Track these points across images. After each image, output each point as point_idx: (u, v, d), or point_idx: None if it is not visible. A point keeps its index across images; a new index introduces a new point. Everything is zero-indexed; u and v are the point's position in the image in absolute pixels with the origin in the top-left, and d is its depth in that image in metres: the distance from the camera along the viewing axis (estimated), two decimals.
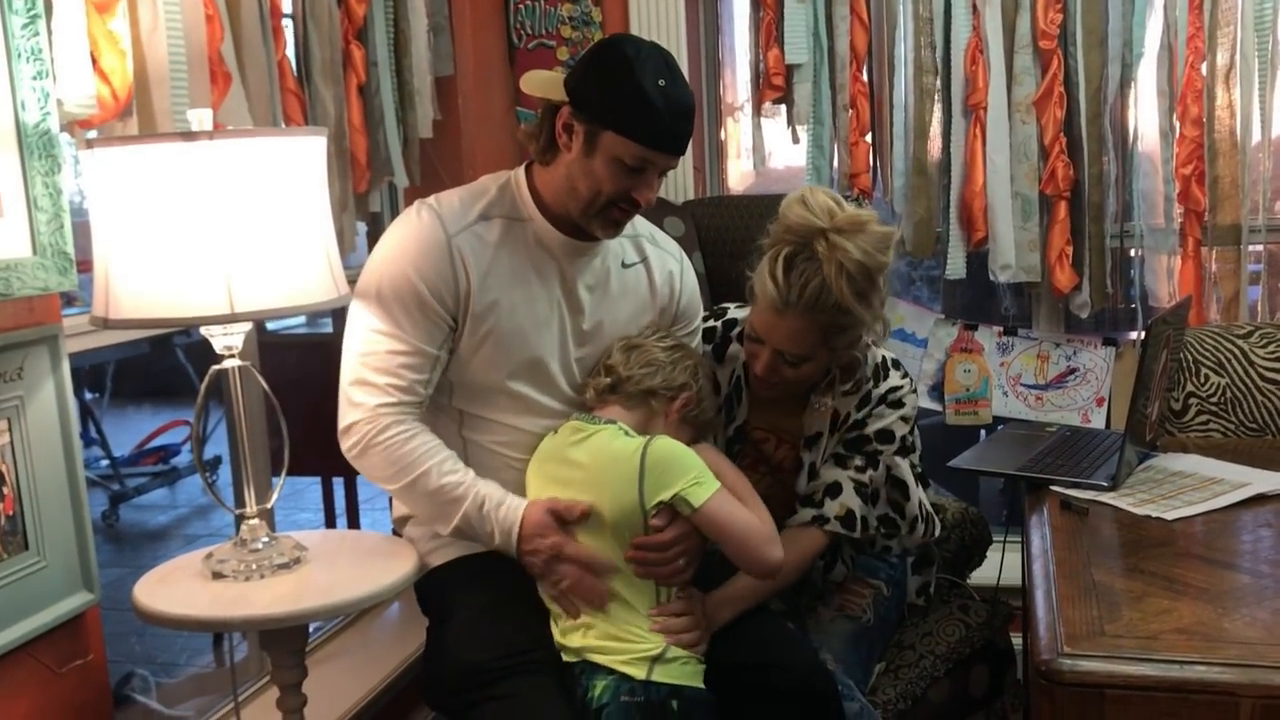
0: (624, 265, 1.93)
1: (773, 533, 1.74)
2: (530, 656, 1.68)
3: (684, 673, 1.69)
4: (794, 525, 1.90)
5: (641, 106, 1.68)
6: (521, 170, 1.87)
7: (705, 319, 2.06)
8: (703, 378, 1.85)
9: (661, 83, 1.69)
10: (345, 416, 1.78)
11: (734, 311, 2.05)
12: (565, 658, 1.71)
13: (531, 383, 1.84)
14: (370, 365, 1.76)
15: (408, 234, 1.80)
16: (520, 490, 1.81)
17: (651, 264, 1.96)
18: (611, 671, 1.66)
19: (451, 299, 1.78)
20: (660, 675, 1.66)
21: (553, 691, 1.66)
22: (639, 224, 1.97)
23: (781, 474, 1.99)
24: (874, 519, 1.94)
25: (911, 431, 1.97)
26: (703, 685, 1.70)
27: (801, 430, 1.94)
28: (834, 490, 1.90)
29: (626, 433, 1.75)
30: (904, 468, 1.95)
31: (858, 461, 1.91)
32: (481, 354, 1.81)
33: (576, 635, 1.71)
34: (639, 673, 1.66)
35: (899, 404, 1.92)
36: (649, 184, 1.76)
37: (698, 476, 1.70)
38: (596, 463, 1.73)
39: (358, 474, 3.65)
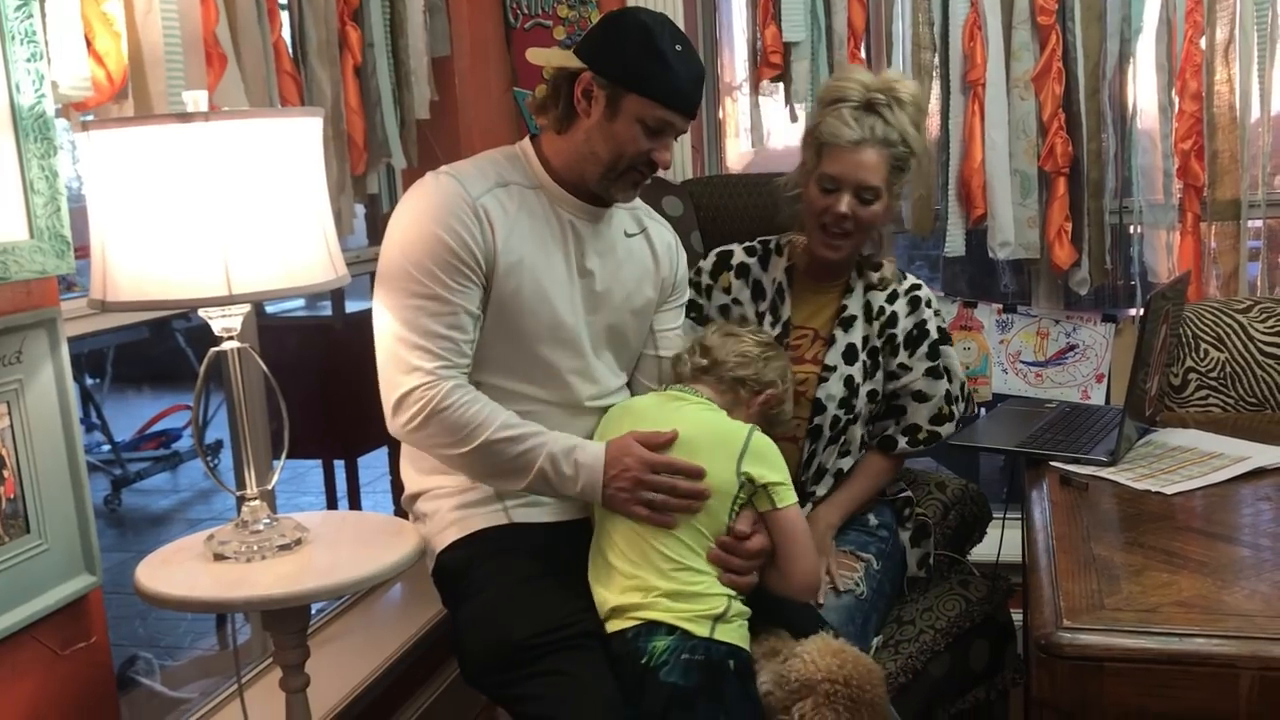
0: (627, 235, 1.98)
1: (819, 568, 1.87)
2: (574, 629, 1.68)
3: (740, 634, 1.70)
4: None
5: (663, 69, 1.76)
6: (527, 141, 1.91)
7: (719, 258, 2.23)
8: (789, 380, 1.96)
9: (679, 48, 1.79)
10: (398, 387, 1.75)
11: (733, 246, 2.26)
12: (616, 624, 1.70)
13: (553, 346, 1.86)
14: (417, 330, 1.75)
15: (429, 198, 1.80)
16: None
17: (652, 235, 2.02)
18: (672, 631, 1.66)
19: (482, 255, 1.79)
20: (722, 634, 1.67)
21: (601, 665, 1.66)
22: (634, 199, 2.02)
23: (811, 365, 2.16)
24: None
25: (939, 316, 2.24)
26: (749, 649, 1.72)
27: (832, 328, 2.15)
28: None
29: (717, 410, 1.84)
30: (951, 355, 2.22)
31: (940, 369, 2.18)
32: (508, 316, 1.82)
33: (634, 595, 1.70)
34: (702, 630, 1.66)
35: (928, 302, 2.20)
36: (667, 146, 1.84)
37: (788, 482, 1.77)
38: (700, 429, 1.79)
39: (359, 455, 3.67)
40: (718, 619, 1.68)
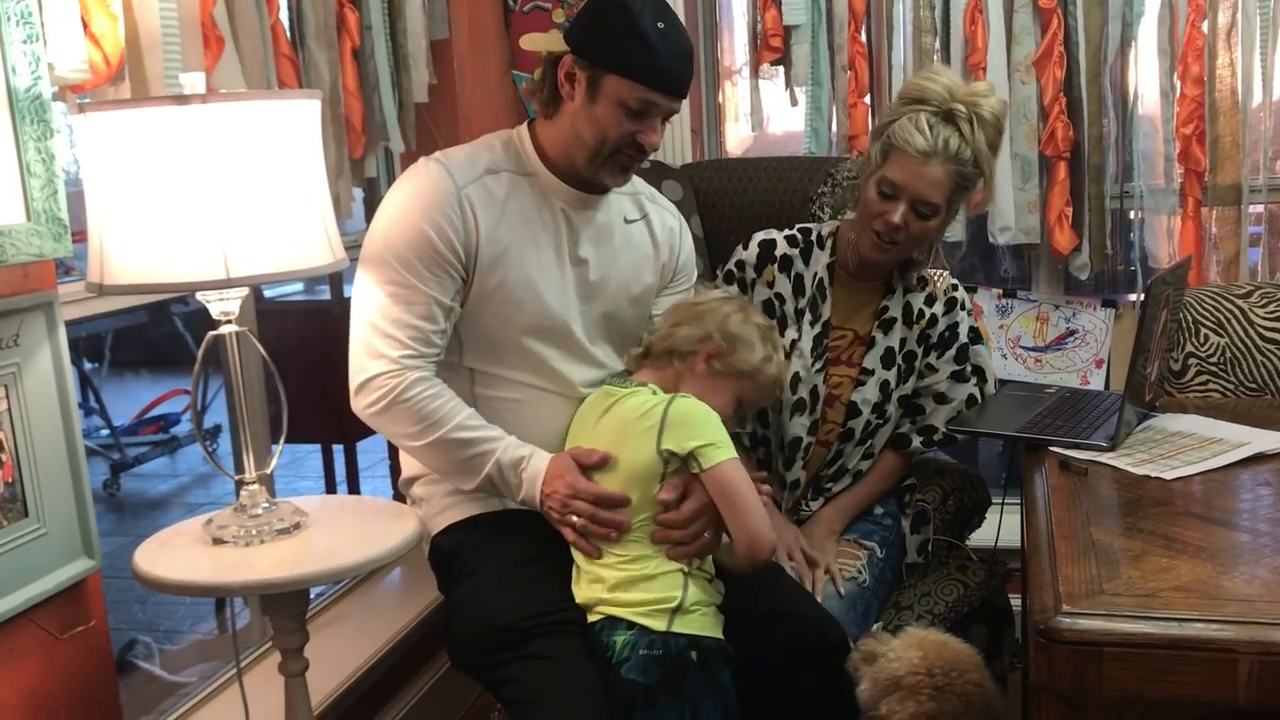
0: (626, 221, 1.96)
1: (769, 523, 1.74)
2: (558, 615, 1.69)
3: (703, 623, 1.70)
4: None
5: (641, 48, 1.72)
6: (524, 126, 1.90)
7: (762, 248, 2.13)
8: (742, 322, 1.82)
9: (661, 25, 1.74)
10: (363, 371, 1.77)
11: (775, 234, 2.15)
12: (589, 618, 1.71)
13: (542, 336, 1.86)
14: (388, 318, 1.76)
15: (416, 187, 1.80)
16: (543, 444, 1.81)
17: (652, 220, 2.00)
18: (631, 626, 1.66)
19: (463, 248, 1.79)
20: (680, 626, 1.67)
21: (581, 651, 1.67)
22: (638, 183, 2.02)
23: (848, 367, 2.13)
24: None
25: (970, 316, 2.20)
26: (721, 636, 1.71)
27: (872, 329, 2.11)
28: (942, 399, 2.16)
29: (654, 392, 1.78)
30: (983, 355, 2.19)
31: (967, 372, 2.15)
32: (493, 306, 1.82)
33: (596, 588, 1.71)
34: (659, 624, 1.66)
35: (963, 305, 2.16)
36: (653, 127, 1.79)
37: (716, 440, 1.71)
38: (621, 421, 1.76)
39: (358, 440, 3.67)
40: (675, 610, 1.67)
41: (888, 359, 2.10)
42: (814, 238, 2.14)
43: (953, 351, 2.14)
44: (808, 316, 2.10)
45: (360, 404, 1.79)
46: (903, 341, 2.12)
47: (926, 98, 1.95)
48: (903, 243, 2.00)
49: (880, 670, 1.64)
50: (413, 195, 1.79)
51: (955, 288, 2.16)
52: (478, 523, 1.85)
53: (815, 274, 2.12)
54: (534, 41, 1.86)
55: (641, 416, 1.74)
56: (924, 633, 1.67)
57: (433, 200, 1.78)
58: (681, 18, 2.78)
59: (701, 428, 1.72)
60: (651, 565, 1.71)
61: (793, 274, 2.12)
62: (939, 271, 2.16)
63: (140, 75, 1.73)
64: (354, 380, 1.79)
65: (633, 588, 1.69)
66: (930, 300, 2.13)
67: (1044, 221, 2.69)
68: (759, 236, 2.15)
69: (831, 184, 2.21)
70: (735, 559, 1.74)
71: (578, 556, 1.76)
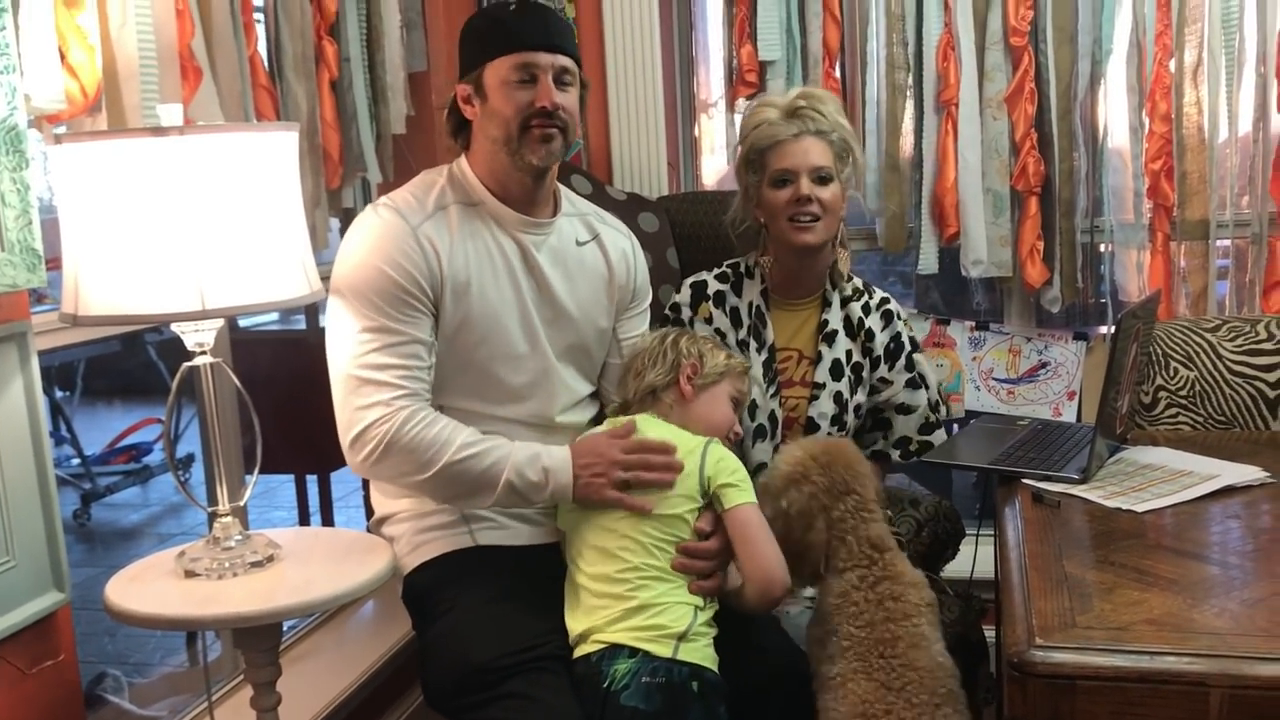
0: (578, 243, 1.97)
1: (785, 565, 1.75)
2: (537, 653, 1.67)
3: (705, 654, 1.70)
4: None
5: (492, 26, 1.83)
6: (462, 158, 1.92)
7: (694, 289, 2.21)
8: (690, 340, 1.94)
9: (512, 7, 1.83)
10: (356, 424, 1.75)
11: (705, 275, 2.25)
12: (581, 649, 1.70)
13: (509, 366, 1.86)
14: (370, 364, 1.75)
15: (370, 233, 1.81)
16: None
17: (604, 241, 2.01)
18: (634, 654, 1.65)
19: (428, 284, 1.79)
20: (684, 654, 1.66)
21: (563, 689, 1.65)
22: (585, 204, 2.05)
23: (801, 387, 2.19)
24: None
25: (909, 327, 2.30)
26: (717, 670, 1.71)
27: (816, 344, 2.19)
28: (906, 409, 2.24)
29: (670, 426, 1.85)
30: (924, 363, 2.28)
31: (919, 379, 2.23)
32: (460, 338, 1.82)
33: (597, 615, 1.70)
34: (663, 650, 1.66)
35: (899, 315, 2.26)
36: (546, 88, 1.81)
37: (741, 481, 1.76)
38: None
39: (332, 470, 3.64)
40: (680, 637, 1.67)
41: (836, 370, 2.17)
42: (742, 269, 2.24)
43: (902, 361, 2.23)
44: (753, 344, 2.17)
45: (357, 459, 1.77)
46: (849, 353, 2.19)
47: (765, 116, 2.13)
48: (820, 215, 2.10)
49: (772, 476, 1.80)
50: (368, 240, 1.80)
51: (887, 301, 2.26)
52: (450, 560, 1.84)
53: (750, 302, 2.20)
54: (444, 101, 1.95)
55: (680, 443, 1.79)
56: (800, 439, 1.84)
57: (389, 241, 1.78)
58: (659, 52, 2.85)
59: (734, 468, 1.78)
60: (663, 591, 1.71)
61: (728, 307, 2.20)
62: (867, 285, 2.27)
63: (117, 106, 1.73)
64: (346, 436, 1.76)
65: (639, 614, 1.68)
66: (866, 310, 2.21)
67: (1016, 255, 2.72)
68: (689, 280, 2.25)
69: (735, 233, 2.28)
70: (747, 599, 1.75)
71: (586, 581, 1.73)
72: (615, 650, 1.66)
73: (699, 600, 1.72)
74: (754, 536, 1.73)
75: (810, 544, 1.75)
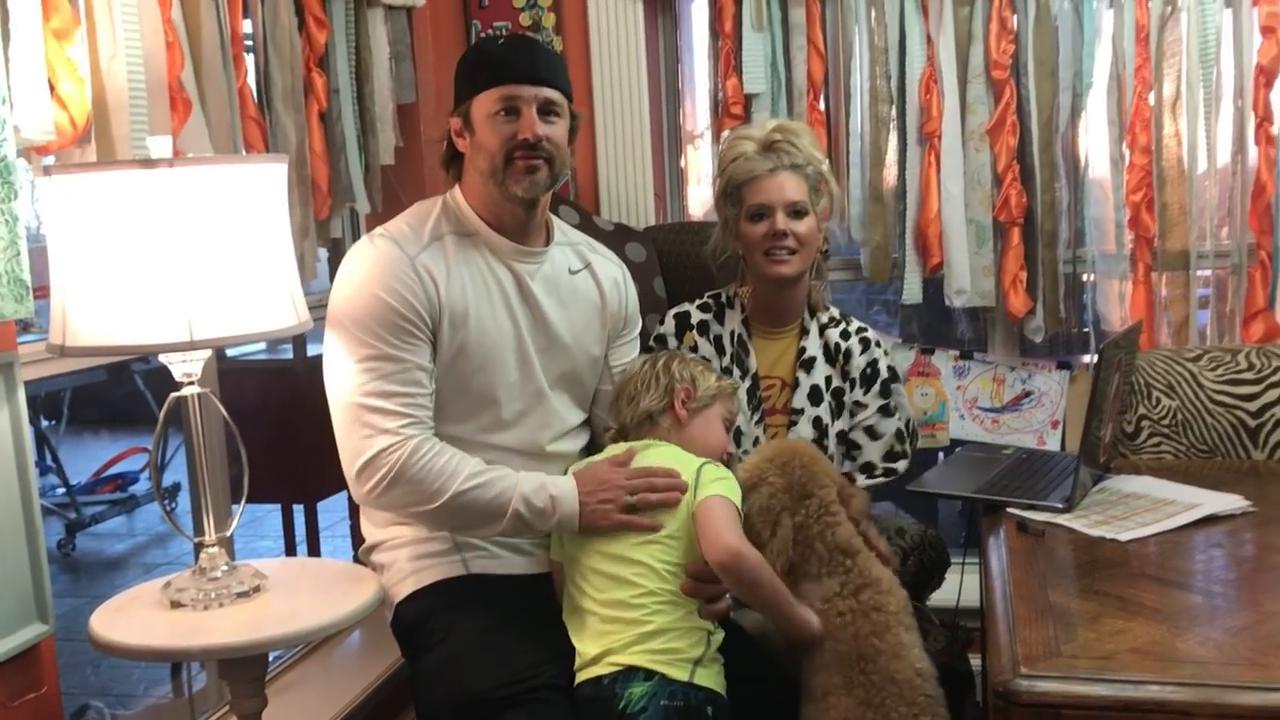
0: (571, 272, 1.98)
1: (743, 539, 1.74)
2: (533, 683, 1.67)
3: (718, 680, 1.70)
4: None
5: (480, 59, 1.86)
6: (456, 189, 1.93)
7: (678, 320, 2.24)
8: (681, 364, 1.97)
9: (501, 41, 1.88)
10: (362, 454, 1.74)
11: (687, 305, 2.28)
12: (590, 670, 1.69)
13: (506, 393, 1.87)
14: (374, 392, 1.75)
15: (367, 262, 1.81)
16: None
17: (596, 270, 2.02)
18: (650, 677, 1.65)
19: (426, 312, 1.80)
20: (701, 679, 1.67)
21: (561, 717, 1.65)
22: (576, 234, 2.07)
23: (782, 415, 2.22)
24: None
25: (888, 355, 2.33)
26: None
27: (794, 371, 2.22)
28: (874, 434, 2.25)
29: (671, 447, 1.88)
30: (901, 393, 2.31)
31: (891, 406, 2.25)
32: (456, 366, 1.83)
33: (612, 638, 1.69)
34: (681, 674, 1.66)
35: (877, 343, 2.29)
36: (529, 120, 1.83)
37: (717, 480, 1.79)
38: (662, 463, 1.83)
39: (319, 500, 3.63)
40: (697, 662, 1.68)
41: (814, 396, 2.20)
42: (724, 299, 2.28)
43: (877, 387, 2.25)
44: (736, 372, 2.20)
45: (364, 489, 1.76)
46: (828, 379, 2.22)
47: (742, 150, 2.17)
48: (795, 248, 2.13)
49: (753, 511, 1.81)
50: (366, 270, 1.80)
51: (864, 329, 2.30)
52: (442, 589, 1.83)
53: (732, 330, 2.23)
54: (438, 132, 2.01)
55: (680, 466, 1.81)
56: (764, 450, 1.88)
57: (387, 270, 1.79)
58: (645, 84, 2.87)
59: (719, 475, 1.81)
60: (679, 616, 1.71)
61: (711, 336, 2.24)
62: (845, 315, 2.30)
63: (107, 137, 1.73)
64: (353, 466, 1.76)
65: (656, 638, 1.68)
66: (845, 335, 2.25)
67: (999, 285, 2.74)
68: (672, 311, 2.29)
69: (715, 264, 2.32)
70: (701, 565, 1.74)
71: (593, 605, 1.72)
72: (630, 673, 1.66)
73: (710, 625, 1.73)
74: (712, 519, 1.73)
75: (778, 546, 1.76)
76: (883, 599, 1.74)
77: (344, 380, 1.77)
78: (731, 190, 2.18)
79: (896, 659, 1.70)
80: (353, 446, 1.76)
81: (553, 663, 1.72)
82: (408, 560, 1.86)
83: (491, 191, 1.86)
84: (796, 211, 2.13)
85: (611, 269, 2.06)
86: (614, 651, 1.68)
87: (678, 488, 1.77)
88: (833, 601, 1.74)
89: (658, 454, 1.85)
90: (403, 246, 1.82)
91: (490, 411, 1.86)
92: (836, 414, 2.21)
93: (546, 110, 1.84)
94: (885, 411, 2.25)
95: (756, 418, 2.18)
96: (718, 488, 1.77)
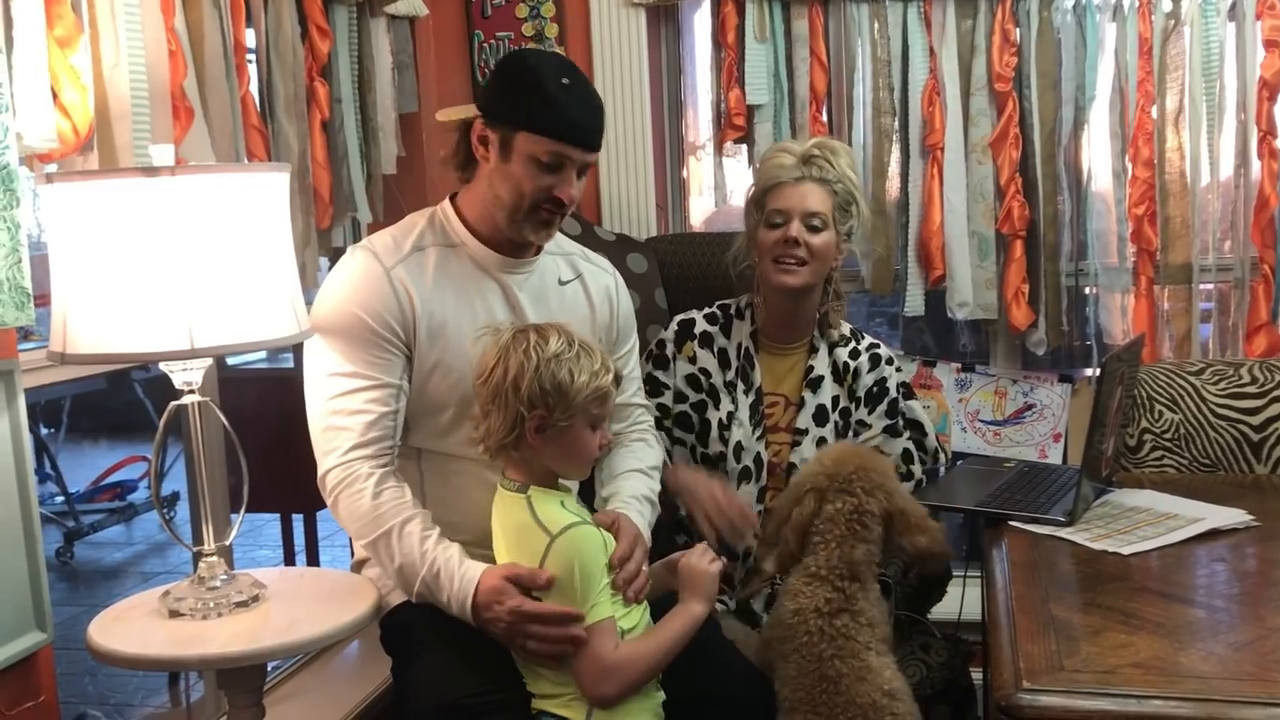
0: (561, 282, 1.97)
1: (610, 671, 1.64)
2: (505, 695, 1.67)
3: (627, 709, 1.66)
4: None
5: (547, 103, 1.75)
6: (447, 201, 1.92)
7: (681, 327, 2.22)
8: (534, 377, 1.61)
9: (565, 81, 1.77)
10: (320, 466, 1.79)
11: (694, 314, 2.25)
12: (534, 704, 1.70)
13: None
14: (337, 408, 1.77)
15: (345, 276, 1.83)
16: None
17: (587, 281, 2.00)
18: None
19: (400, 327, 1.80)
20: (600, 718, 1.65)
21: None
22: (570, 244, 2.05)
23: (786, 433, 2.20)
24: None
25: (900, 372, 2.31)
26: None
27: (801, 391, 2.19)
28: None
29: (530, 501, 1.67)
30: (917, 409, 2.27)
31: (900, 426, 2.23)
32: (434, 381, 1.82)
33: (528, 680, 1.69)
34: (578, 716, 1.65)
35: (889, 360, 2.26)
36: (568, 180, 1.80)
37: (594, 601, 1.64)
38: (514, 533, 1.69)
39: (318, 510, 3.63)
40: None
41: (820, 416, 2.17)
42: (733, 311, 2.25)
43: (883, 406, 2.22)
44: (740, 386, 2.17)
45: (324, 496, 1.81)
46: (835, 399, 2.19)
47: (781, 161, 2.14)
48: (807, 260, 2.10)
49: (790, 486, 1.83)
50: (342, 284, 1.82)
51: (877, 346, 2.26)
52: (425, 603, 1.83)
53: (739, 343, 2.21)
54: (449, 114, 1.90)
55: (526, 542, 1.66)
56: (836, 445, 1.85)
57: (362, 284, 1.80)
58: (648, 96, 2.88)
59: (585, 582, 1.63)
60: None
61: (715, 348, 2.21)
62: (859, 332, 2.28)
63: (109, 145, 1.73)
64: (317, 474, 1.81)
65: (557, 684, 1.67)
66: (854, 354, 2.22)
67: (1001, 298, 2.74)
68: (679, 317, 2.26)
69: (734, 271, 2.29)
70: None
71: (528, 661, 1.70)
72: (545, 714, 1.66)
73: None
74: (585, 664, 1.62)
75: (797, 521, 1.78)
76: (856, 629, 1.73)
77: (314, 390, 1.80)
78: (758, 196, 2.17)
79: (861, 682, 1.69)
80: (318, 459, 1.80)
81: None
82: None
83: (498, 216, 1.84)
84: (813, 224, 2.10)
85: (604, 278, 2.04)
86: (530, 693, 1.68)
87: (575, 639, 1.61)
88: (805, 616, 1.73)
89: (508, 508, 1.68)
90: (380, 258, 1.82)
91: (470, 427, 1.85)
92: (842, 435, 2.19)
93: (582, 171, 1.83)
94: (892, 432, 2.22)
95: (758, 434, 2.16)
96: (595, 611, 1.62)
